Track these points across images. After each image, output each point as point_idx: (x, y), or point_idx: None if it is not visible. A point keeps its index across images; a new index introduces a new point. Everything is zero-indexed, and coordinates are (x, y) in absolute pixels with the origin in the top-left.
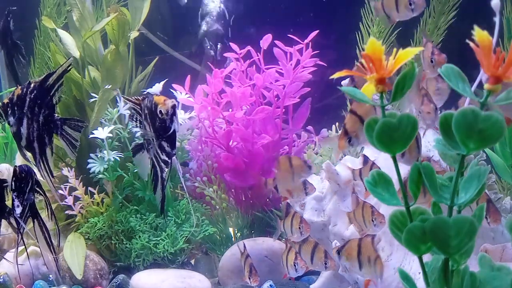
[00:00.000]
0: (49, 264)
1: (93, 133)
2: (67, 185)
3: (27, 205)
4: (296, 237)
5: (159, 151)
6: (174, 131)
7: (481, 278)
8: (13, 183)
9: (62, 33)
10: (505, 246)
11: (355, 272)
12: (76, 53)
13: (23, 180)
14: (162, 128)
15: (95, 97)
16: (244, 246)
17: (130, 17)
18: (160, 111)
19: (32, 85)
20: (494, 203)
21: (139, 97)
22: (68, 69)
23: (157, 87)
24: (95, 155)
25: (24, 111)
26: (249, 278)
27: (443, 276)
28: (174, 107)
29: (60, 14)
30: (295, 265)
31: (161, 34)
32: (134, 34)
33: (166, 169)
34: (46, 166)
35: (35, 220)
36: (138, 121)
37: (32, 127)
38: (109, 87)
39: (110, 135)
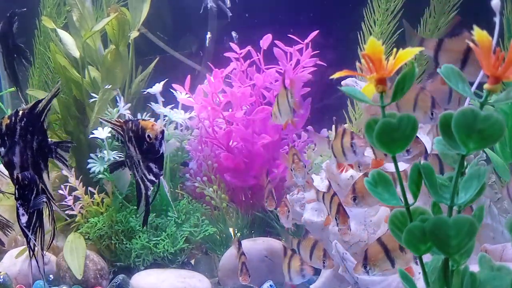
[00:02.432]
0: (38, 268)
1: (93, 133)
2: (67, 185)
3: (33, 213)
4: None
5: (145, 172)
6: (162, 154)
7: (481, 278)
8: (16, 191)
9: (62, 33)
10: (505, 246)
11: (392, 273)
12: (76, 53)
13: (27, 188)
14: (151, 152)
15: (95, 97)
16: (240, 243)
17: (130, 17)
18: (149, 136)
19: (20, 113)
20: (494, 203)
21: (120, 120)
22: (56, 93)
23: (157, 87)
24: (95, 155)
25: (16, 140)
26: (240, 276)
27: (443, 276)
28: (162, 132)
29: (60, 14)
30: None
31: (161, 34)
32: (134, 34)
33: (151, 188)
34: (46, 191)
35: (39, 228)
36: (120, 141)
37: (26, 154)
38: (109, 87)
39: (110, 135)
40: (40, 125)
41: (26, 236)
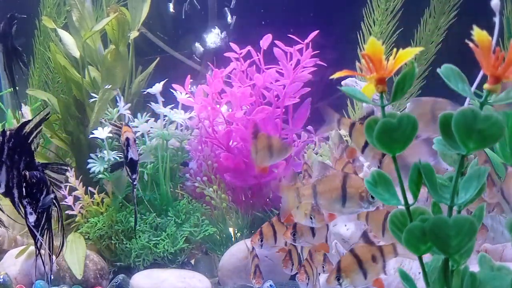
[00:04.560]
0: (42, 267)
1: (93, 133)
2: (67, 185)
3: (42, 213)
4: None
5: (129, 174)
6: (132, 159)
7: (481, 278)
8: (23, 189)
9: (62, 33)
10: (505, 246)
11: (363, 284)
12: (76, 53)
13: (35, 186)
14: (125, 156)
15: (95, 97)
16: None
17: (130, 17)
18: (123, 141)
19: (8, 134)
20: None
21: (122, 123)
22: (46, 117)
23: (157, 87)
24: (95, 155)
25: (3, 160)
26: (253, 279)
27: (443, 276)
28: (127, 139)
29: (60, 14)
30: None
31: (161, 34)
32: (134, 34)
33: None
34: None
35: (47, 230)
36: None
37: (12, 174)
38: (109, 87)
39: (110, 135)
40: (28, 146)
41: (34, 236)
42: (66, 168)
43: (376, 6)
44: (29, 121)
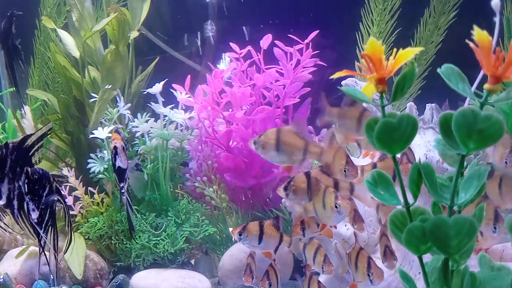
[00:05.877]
0: (46, 266)
1: (93, 133)
2: (67, 185)
3: (45, 210)
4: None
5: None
6: (119, 168)
7: (481, 278)
8: (25, 185)
9: (62, 33)
10: (505, 246)
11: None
12: (76, 53)
13: (37, 183)
14: (112, 163)
15: (95, 97)
16: None
17: (130, 17)
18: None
19: (10, 146)
20: None
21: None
22: (48, 132)
23: (157, 87)
24: (95, 155)
25: (5, 172)
26: (243, 277)
27: (443, 276)
28: (115, 148)
29: (60, 14)
30: None
31: (161, 34)
32: (134, 34)
33: (124, 196)
34: (27, 218)
35: (51, 227)
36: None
37: (13, 186)
38: (109, 87)
39: (110, 135)
40: (29, 159)
41: (37, 233)
42: (63, 180)
43: (374, 6)
44: (31, 134)
